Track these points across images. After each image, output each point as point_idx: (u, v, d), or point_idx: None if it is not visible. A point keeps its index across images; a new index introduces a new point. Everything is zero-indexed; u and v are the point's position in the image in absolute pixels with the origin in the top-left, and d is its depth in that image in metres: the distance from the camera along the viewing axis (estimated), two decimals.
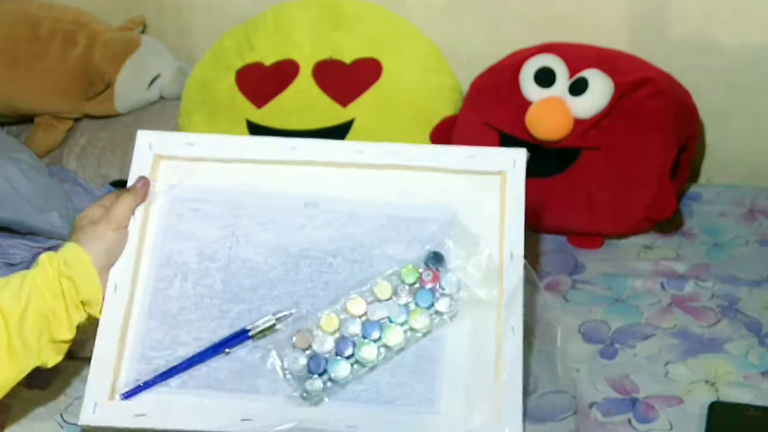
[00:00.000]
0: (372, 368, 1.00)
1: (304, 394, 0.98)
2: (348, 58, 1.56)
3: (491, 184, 1.07)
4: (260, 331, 1.01)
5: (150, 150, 1.10)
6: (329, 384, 0.99)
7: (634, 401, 1.10)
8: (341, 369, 0.99)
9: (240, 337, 1.01)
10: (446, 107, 1.59)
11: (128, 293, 1.03)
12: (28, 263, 1.49)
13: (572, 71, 1.45)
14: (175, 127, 1.67)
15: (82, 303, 0.99)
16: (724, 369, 1.14)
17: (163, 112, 1.78)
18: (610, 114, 1.41)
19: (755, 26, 1.55)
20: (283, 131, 1.55)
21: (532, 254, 1.44)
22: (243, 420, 0.97)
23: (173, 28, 1.88)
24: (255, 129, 1.56)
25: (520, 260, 1.02)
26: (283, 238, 1.06)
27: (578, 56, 1.48)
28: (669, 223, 1.46)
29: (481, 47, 1.65)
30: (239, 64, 1.59)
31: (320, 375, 0.99)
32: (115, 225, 1.02)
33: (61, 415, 1.12)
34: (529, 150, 1.44)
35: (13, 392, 0.98)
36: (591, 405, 1.09)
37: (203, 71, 1.66)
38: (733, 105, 1.61)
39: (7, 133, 1.85)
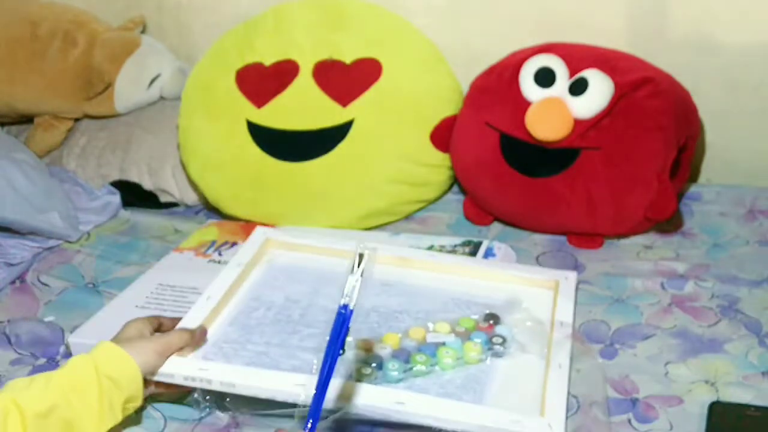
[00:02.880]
0: (424, 375, 1.10)
1: (358, 376, 1.06)
2: (348, 58, 1.56)
3: (548, 285, 1.27)
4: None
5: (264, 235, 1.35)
6: (381, 375, 1.08)
7: (634, 401, 1.10)
8: (394, 368, 1.09)
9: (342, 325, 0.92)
10: (446, 107, 1.59)
11: (216, 304, 1.17)
12: (29, 263, 1.49)
13: (572, 71, 1.45)
14: (175, 127, 1.66)
15: (126, 401, 0.97)
16: (724, 369, 1.14)
17: (163, 112, 1.78)
18: (610, 114, 1.41)
19: (755, 26, 1.55)
20: (283, 131, 1.55)
21: (532, 254, 1.45)
22: (296, 385, 1.02)
23: (173, 28, 1.88)
24: (255, 129, 1.55)
25: (568, 325, 1.16)
26: (359, 299, 1.18)
27: (578, 56, 1.47)
28: (669, 223, 1.46)
29: (481, 47, 1.65)
30: (239, 64, 1.59)
31: (376, 368, 1.08)
32: (161, 349, 1.02)
33: None
34: (529, 150, 1.46)
35: None
36: (591, 405, 1.09)
37: (203, 71, 1.65)
38: (733, 105, 1.61)
39: (7, 133, 1.85)
